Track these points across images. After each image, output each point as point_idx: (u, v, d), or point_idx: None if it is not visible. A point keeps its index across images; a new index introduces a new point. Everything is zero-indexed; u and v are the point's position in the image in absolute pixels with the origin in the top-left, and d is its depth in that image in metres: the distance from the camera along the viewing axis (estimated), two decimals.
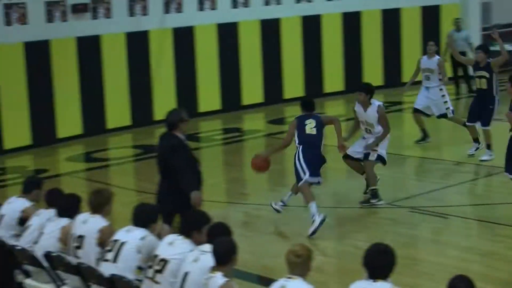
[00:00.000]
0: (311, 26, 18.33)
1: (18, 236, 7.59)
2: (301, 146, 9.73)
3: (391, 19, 19.26)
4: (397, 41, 19.22)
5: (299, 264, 5.52)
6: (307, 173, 9.61)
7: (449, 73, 18.73)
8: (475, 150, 12.74)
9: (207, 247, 6.05)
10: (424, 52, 19.58)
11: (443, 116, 13.54)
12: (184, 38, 16.74)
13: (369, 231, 9.55)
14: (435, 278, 7.97)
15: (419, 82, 13.85)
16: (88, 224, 6.97)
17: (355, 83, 14.94)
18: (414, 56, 19.29)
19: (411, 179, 12.28)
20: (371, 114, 10.34)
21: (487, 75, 12.41)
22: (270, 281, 7.40)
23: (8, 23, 14.57)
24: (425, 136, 13.72)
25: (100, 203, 7.08)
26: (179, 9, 16.75)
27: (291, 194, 10.02)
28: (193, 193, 7.78)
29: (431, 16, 19.72)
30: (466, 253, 8.75)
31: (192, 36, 16.88)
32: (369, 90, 10.40)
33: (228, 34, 17.24)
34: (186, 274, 6.02)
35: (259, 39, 17.65)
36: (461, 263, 8.36)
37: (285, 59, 17.96)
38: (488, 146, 12.53)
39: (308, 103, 10.10)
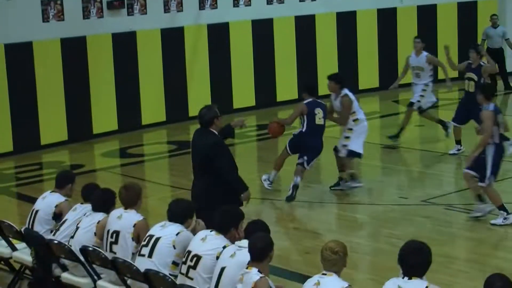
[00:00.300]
0: (346, 22, 18.25)
1: (53, 231, 7.66)
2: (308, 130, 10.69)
3: (427, 15, 19.11)
4: (434, 38, 19.05)
5: (335, 261, 5.51)
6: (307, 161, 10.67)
7: None
8: (457, 151, 12.68)
9: (244, 242, 6.06)
10: (460, 49, 19.56)
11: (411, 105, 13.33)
12: (219, 34, 16.78)
13: (404, 229, 9.50)
14: (471, 276, 7.92)
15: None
16: (123, 219, 7.02)
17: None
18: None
19: (446, 176, 12.17)
20: (338, 103, 10.97)
21: (475, 78, 12.33)
22: (302, 277, 7.42)
23: (46, 19, 14.72)
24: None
25: (132, 198, 7.13)
26: (214, 5, 16.79)
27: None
28: (246, 192, 7.97)
29: (467, 12, 19.53)
30: (503, 252, 8.67)
31: (227, 32, 16.91)
32: (339, 79, 10.93)
33: (263, 30, 17.24)
34: (222, 269, 6.03)
35: (294, 35, 17.62)
36: (497, 262, 8.28)
37: (319, 55, 17.90)
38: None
39: (314, 88, 10.64)
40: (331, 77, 11.03)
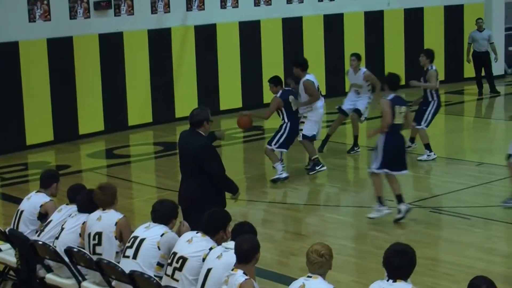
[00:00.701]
0: (333, 24, 18.30)
1: (38, 231, 7.63)
2: (289, 122, 11.40)
3: (413, 18, 19.18)
4: (421, 41, 19.12)
5: (321, 264, 5.51)
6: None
7: (471, 73, 18.67)
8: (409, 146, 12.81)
9: (231, 244, 6.06)
10: (446, 53, 19.65)
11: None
12: (206, 36, 16.77)
13: (390, 231, 9.51)
14: (456, 279, 7.94)
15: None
16: (103, 220, 7.00)
17: None
18: (436, 56, 19.26)
19: (433, 179, 12.22)
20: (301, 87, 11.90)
21: (422, 80, 12.72)
22: (289, 279, 7.42)
23: (32, 19, 14.67)
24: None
25: (109, 198, 7.12)
26: (201, 7, 16.78)
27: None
28: (237, 194, 8.05)
29: (454, 15, 19.62)
30: (488, 255, 8.70)
31: (214, 33, 16.91)
32: (302, 64, 11.99)
33: (250, 32, 17.25)
34: (209, 270, 6.03)
35: (281, 36, 17.64)
36: (482, 264, 8.31)
37: (307, 57, 17.87)
38: (426, 146, 12.64)
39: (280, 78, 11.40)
40: (294, 64, 12.20)
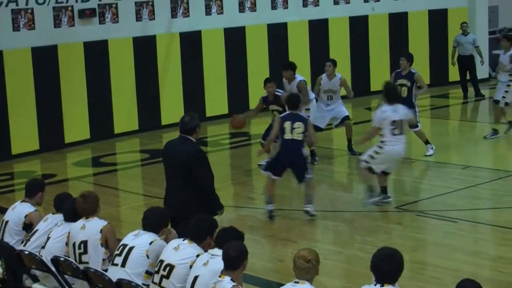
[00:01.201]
0: (318, 29, 18.34)
1: (23, 241, 7.59)
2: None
3: (398, 23, 19.25)
4: (406, 45, 19.20)
5: (308, 269, 5.50)
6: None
7: (456, 76, 18.77)
8: None
9: (217, 251, 6.04)
10: (431, 57, 19.73)
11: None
12: (191, 43, 16.76)
13: (377, 235, 9.53)
14: (443, 282, 7.95)
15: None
16: (88, 228, 6.97)
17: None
18: (421, 60, 19.36)
19: (419, 183, 12.25)
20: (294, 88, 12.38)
21: (408, 83, 12.91)
22: (276, 285, 7.42)
23: (16, 28, 14.61)
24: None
25: (91, 206, 7.09)
26: (186, 14, 16.78)
27: None
28: (220, 211, 7.97)
29: (438, 20, 19.71)
30: (475, 257, 8.72)
31: (199, 40, 16.90)
32: (294, 67, 12.66)
33: (235, 38, 17.26)
34: (196, 278, 6.01)
35: (266, 42, 17.66)
36: (469, 268, 8.33)
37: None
38: (426, 142, 13.05)
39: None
40: (286, 67, 12.71)
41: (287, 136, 10.04)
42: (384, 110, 10.28)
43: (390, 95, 10.47)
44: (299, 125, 10.02)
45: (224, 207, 8.05)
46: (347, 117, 13.31)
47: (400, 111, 10.36)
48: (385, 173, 10.48)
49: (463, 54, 18.29)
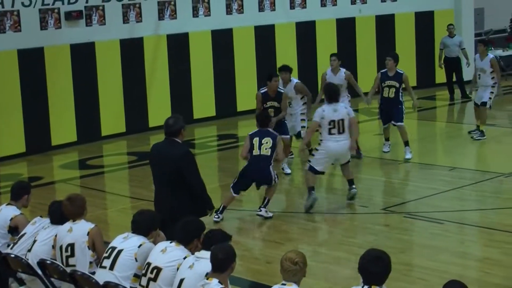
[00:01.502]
0: (306, 31, 18.37)
1: (10, 245, 7.55)
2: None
3: (385, 25, 19.31)
4: (392, 47, 19.26)
5: (295, 271, 5.51)
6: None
7: (443, 78, 18.84)
8: (388, 147, 13.43)
9: (203, 253, 6.04)
10: (418, 58, 19.80)
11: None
12: (178, 45, 16.75)
13: (364, 237, 9.55)
14: (430, 283, 7.98)
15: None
16: (75, 231, 6.95)
17: None
18: (408, 62, 19.41)
19: (406, 184, 12.28)
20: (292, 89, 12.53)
21: (396, 84, 12.94)
22: (264, 287, 7.43)
23: (2, 30, 14.56)
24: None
25: (78, 209, 7.07)
26: (173, 16, 16.77)
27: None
28: (211, 211, 8.03)
29: (425, 22, 19.78)
30: (461, 259, 8.75)
31: (187, 42, 16.89)
32: (291, 69, 12.75)
33: (222, 40, 17.26)
34: (181, 280, 6.00)
35: (254, 44, 17.67)
36: (456, 269, 8.36)
37: (280, 64, 17.90)
38: (406, 143, 13.01)
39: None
40: (285, 69, 12.68)
41: (255, 152, 10.24)
42: (323, 109, 10.41)
43: (330, 95, 10.61)
44: (267, 141, 10.22)
45: (214, 207, 8.05)
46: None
47: (340, 111, 10.44)
48: (318, 173, 10.70)
49: (449, 56, 18.36)
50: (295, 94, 12.64)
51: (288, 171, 12.57)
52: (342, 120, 10.45)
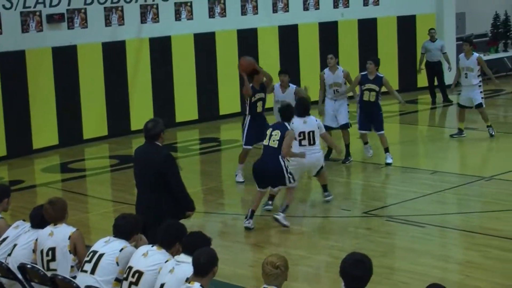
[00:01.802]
0: (288, 35, 18.39)
1: None
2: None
3: (367, 29, 19.37)
4: (374, 51, 19.32)
5: (276, 275, 5.51)
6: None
7: (425, 82, 18.94)
8: (371, 150, 13.38)
9: (183, 257, 6.03)
10: (400, 62, 19.87)
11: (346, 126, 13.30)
12: (161, 48, 16.73)
13: (346, 240, 9.56)
14: (411, 287, 8.00)
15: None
16: (56, 234, 6.92)
17: None
18: (390, 65, 19.49)
19: (388, 188, 12.31)
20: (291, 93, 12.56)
21: (376, 88, 12.93)
22: None
23: None
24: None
25: (59, 213, 7.03)
26: (155, 19, 16.74)
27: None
28: (192, 212, 7.99)
29: (407, 26, 19.87)
30: (443, 262, 8.79)
31: (169, 45, 16.87)
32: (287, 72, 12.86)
33: (205, 43, 17.25)
34: (162, 285, 5.98)
35: (236, 48, 17.67)
36: (437, 272, 8.39)
37: (263, 68, 17.93)
38: (387, 150, 13.01)
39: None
40: (285, 72, 12.91)
41: (265, 142, 10.12)
42: (293, 122, 10.47)
43: (300, 108, 10.76)
44: (276, 133, 10.05)
45: (195, 209, 8.04)
46: (346, 125, 13.32)
47: (309, 123, 10.61)
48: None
49: (431, 60, 18.45)
50: (295, 100, 12.18)
51: (241, 179, 12.27)
52: (313, 131, 10.59)
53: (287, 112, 10.33)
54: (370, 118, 13.04)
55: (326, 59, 13.47)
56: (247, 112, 12.29)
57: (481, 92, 14.47)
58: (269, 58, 17.83)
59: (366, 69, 13.14)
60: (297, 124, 10.55)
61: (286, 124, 10.21)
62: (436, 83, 18.70)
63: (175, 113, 16.96)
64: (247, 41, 17.76)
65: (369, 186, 12.19)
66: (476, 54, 14.64)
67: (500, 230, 9.54)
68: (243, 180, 12.23)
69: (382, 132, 12.99)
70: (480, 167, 12.98)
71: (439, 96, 18.66)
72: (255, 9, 18.07)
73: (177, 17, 17.06)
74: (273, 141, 10.02)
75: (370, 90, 12.93)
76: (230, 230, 10.34)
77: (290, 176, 10.03)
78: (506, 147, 14.32)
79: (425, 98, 18.89)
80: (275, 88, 12.79)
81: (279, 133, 10.02)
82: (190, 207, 7.99)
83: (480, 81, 14.44)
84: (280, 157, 9.96)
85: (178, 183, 7.85)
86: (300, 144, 10.49)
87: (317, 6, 18.91)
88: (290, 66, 18.20)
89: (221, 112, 17.59)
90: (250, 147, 12.24)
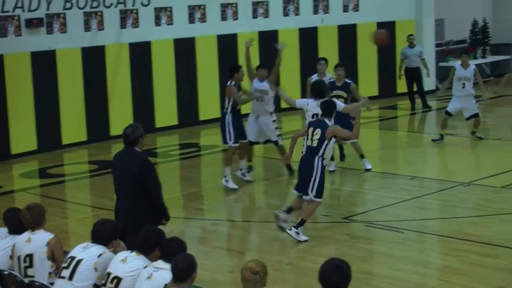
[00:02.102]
0: (268, 40, 18.41)
1: None
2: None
3: (347, 35, 19.44)
4: (354, 56, 19.40)
5: (255, 281, 5.50)
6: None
7: (404, 88, 19.03)
8: (334, 166, 13.05)
9: (161, 263, 6.00)
10: (379, 68, 19.94)
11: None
12: (140, 53, 16.69)
13: (325, 246, 9.57)
14: None
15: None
16: (33, 241, 6.86)
17: None
18: (368, 71, 19.57)
19: (368, 194, 12.34)
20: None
21: (344, 95, 12.76)
22: None
23: None
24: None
25: (38, 218, 6.99)
26: (135, 24, 16.71)
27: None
28: (166, 222, 7.88)
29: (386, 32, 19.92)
30: (422, 267, 8.82)
31: (149, 51, 16.84)
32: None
33: (185, 48, 17.23)
34: None
35: (216, 53, 17.67)
36: (416, 277, 8.42)
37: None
38: (362, 156, 12.97)
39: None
40: (267, 67, 12.69)
41: (307, 142, 9.74)
42: (308, 103, 10.64)
43: (315, 91, 10.85)
44: (317, 132, 9.67)
45: (170, 218, 7.98)
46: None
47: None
48: None
49: (410, 66, 18.54)
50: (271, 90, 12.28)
51: (234, 186, 12.07)
52: None
53: (328, 108, 9.88)
54: (341, 125, 12.80)
55: (317, 65, 13.30)
56: (229, 111, 12.22)
57: (477, 101, 14.67)
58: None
59: (336, 75, 12.89)
60: (312, 105, 10.74)
61: (327, 120, 9.78)
62: (415, 89, 18.79)
63: (154, 119, 16.91)
64: (227, 46, 17.76)
65: (348, 192, 12.22)
66: (473, 65, 14.78)
67: (478, 236, 9.59)
68: (237, 187, 12.04)
69: (355, 141, 12.73)
70: (459, 173, 13.04)
71: (418, 102, 18.75)
72: (235, 15, 18.08)
73: (157, 22, 17.03)
74: (313, 140, 9.64)
75: (338, 96, 12.70)
76: (210, 236, 10.32)
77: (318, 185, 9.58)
78: (485, 153, 14.42)
79: (404, 104, 18.98)
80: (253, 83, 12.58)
81: (320, 132, 9.65)
82: (164, 215, 7.93)
83: (475, 91, 14.65)
84: (318, 159, 9.59)
85: (156, 191, 7.81)
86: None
87: (297, 12, 18.96)
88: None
89: (201, 118, 17.57)
90: (238, 145, 12.20)
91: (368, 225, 10.24)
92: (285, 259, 9.28)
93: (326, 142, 9.62)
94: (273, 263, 8.75)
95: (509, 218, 10.27)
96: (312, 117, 10.57)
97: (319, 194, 9.64)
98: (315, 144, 9.62)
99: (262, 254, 9.21)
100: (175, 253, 5.91)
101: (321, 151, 9.61)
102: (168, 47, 17.06)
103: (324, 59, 13.51)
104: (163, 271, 5.89)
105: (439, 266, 8.94)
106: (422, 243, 9.75)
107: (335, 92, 12.72)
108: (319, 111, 10.30)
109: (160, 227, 7.06)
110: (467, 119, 14.71)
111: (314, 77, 13.17)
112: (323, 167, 9.67)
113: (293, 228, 9.63)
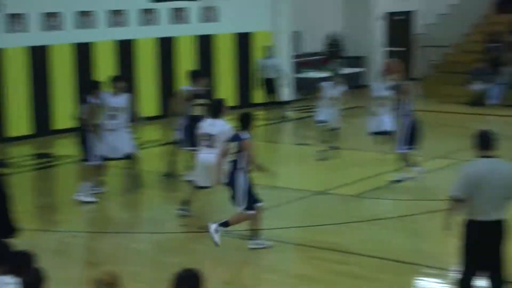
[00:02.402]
0: (167, 47, 18.22)
1: None
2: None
3: (205, 45, 19.54)
4: (212, 67, 19.51)
5: None
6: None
7: (261, 98, 19.30)
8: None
9: (9, 279, 5.79)
10: (238, 78, 20.14)
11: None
12: None
13: (186, 257, 9.52)
14: None
15: None
16: None
17: None
18: (226, 82, 19.71)
19: (225, 203, 12.37)
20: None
21: (208, 102, 12.70)
22: None
23: None
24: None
25: None
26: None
27: None
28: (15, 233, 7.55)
29: (243, 43, 20.21)
30: (281, 276, 8.90)
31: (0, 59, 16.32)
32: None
33: (39, 57, 16.79)
34: None
35: (72, 63, 17.32)
36: (271, 285, 8.51)
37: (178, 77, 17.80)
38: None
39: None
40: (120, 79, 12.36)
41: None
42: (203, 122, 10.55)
43: (215, 110, 10.72)
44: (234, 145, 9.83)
45: (19, 230, 7.68)
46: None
47: (216, 126, 10.53)
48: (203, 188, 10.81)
49: (267, 77, 18.85)
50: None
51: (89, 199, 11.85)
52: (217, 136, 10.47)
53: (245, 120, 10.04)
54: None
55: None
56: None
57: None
58: (146, 71, 17.66)
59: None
60: (206, 126, 10.56)
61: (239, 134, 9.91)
62: (272, 99, 19.10)
63: (8, 128, 16.38)
64: (83, 56, 17.46)
65: (208, 202, 12.21)
66: (398, 83, 14.06)
67: (332, 243, 9.80)
68: (94, 200, 11.86)
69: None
70: (315, 182, 13.30)
71: (275, 112, 19.05)
72: (92, 23, 17.79)
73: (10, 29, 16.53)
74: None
75: (202, 104, 12.67)
76: (65, 248, 10.06)
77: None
78: (341, 162, 14.76)
79: (261, 114, 19.24)
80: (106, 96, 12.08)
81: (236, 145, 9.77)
82: (12, 229, 7.61)
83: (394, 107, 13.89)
84: (238, 171, 9.80)
85: (7, 202, 7.52)
86: (205, 146, 10.46)
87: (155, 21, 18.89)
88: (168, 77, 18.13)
89: (55, 127, 17.15)
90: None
91: (225, 235, 10.25)
92: (140, 270, 9.17)
93: None
94: (128, 274, 8.61)
95: (363, 226, 10.57)
96: (205, 136, 10.52)
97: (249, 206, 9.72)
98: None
99: (117, 265, 9.06)
100: (25, 267, 5.71)
101: None
102: (22, 56, 16.56)
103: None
104: (11, 286, 5.66)
105: (294, 274, 9.06)
106: (281, 252, 9.82)
107: (199, 101, 12.62)
108: (211, 131, 10.51)
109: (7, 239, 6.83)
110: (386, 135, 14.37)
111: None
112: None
113: (214, 225, 9.63)
